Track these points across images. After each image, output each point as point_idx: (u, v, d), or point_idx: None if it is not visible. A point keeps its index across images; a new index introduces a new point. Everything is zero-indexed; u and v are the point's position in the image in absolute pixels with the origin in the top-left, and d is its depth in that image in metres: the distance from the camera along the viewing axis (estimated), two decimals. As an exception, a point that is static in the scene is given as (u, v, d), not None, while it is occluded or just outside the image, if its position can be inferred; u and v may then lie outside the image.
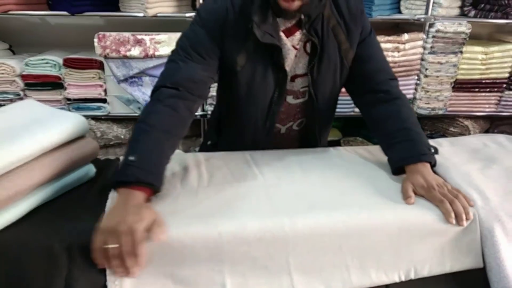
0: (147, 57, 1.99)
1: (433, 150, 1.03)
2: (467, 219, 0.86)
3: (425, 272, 0.88)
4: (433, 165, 1.00)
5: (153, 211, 0.81)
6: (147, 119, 0.96)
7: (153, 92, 1.03)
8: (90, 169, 1.00)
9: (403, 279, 0.87)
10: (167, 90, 1.00)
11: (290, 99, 1.18)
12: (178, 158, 1.09)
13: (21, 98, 2.01)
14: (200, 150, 1.41)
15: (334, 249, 0.84)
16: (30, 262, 0.76)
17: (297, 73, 1.14)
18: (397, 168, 1.01)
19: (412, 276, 0.88)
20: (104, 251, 0.74)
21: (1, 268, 0.75)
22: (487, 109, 2.30)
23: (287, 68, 1.11)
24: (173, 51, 1.09)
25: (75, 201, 0.91)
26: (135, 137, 0.94)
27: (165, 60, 1.15)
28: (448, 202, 0.88)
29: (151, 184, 0.87)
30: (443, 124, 2.39)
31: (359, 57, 1.15)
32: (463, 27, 2.06)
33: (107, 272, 0.77)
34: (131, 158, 0.88)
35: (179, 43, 1.09)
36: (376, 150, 1.19)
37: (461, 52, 2.12)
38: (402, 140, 1.02)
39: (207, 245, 0.80)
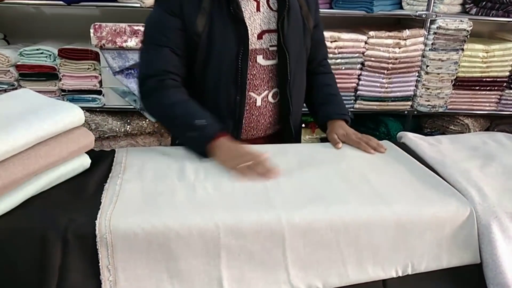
0: (144, 48, 1.97)
1: (350, 114, 1.31)
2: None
3: (422, 267, 0.88)
4: (348, 123, 1.26)
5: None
6: (169, 102, 1.13)
7: (141, 85, 1.18)
8: (85, 160, 0.98)
9: (400, 274, 0.87)
10: (154, 81, 1.14)
11: (260, 59, 1.19)
12: (174, 153, 1.08)
13: (16, 89, 1.99)
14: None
15: (331, 244, 0.84)
16: (24, 252, 0.75)
17: (264, 29, 1.17)
18: (323, 123, 1.28)
19: (410, 271, 0.87)
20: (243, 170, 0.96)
21: (-6, 258, 0.74)
22: (488, 108, 2.29)
23: (249, 21, 1.15)
24: (142, 41, 1.19)
25: (70, 191, 0.90)
26: (181, 113, 1.11)
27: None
28: (364, 142, 1.14)
29: (223, 130, 1.08)
30: (443, 122, 2.38)
31: (313, 39, 1.30)
32: (465, 24, 2.05)
33: (100, 264, 0.77)
34: (199, 122, 1.07)
35: (145, 31, 1.19)
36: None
37: (462, 49, 2.12)
38: (331, 103, 1.31)
39: (203, 238, 0.79)
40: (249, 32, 1.14)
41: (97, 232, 0.76)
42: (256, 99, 1.22)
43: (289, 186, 0.93)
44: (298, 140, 1.38)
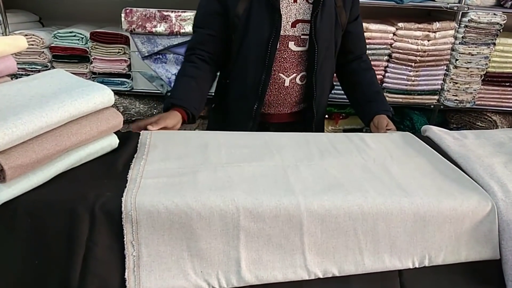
0: (172, 34, 2.00)
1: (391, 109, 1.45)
2: None
3: (439, 260, 0.88)
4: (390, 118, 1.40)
5: (172, 120, 1.20)
6: (178, 75, 1.37)
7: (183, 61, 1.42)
8: (113, 140, 1.02)
9: (416, 265, 0.87)
10: (185, 55, 1.39)
11: (292, 45, 1.33)
12: (197, 136, 1.11)
13: (49, 70, 2.06)
14: (207, 117, 1.70)
15: (349, 232, 0.85)
16: (54, 224, 0.79)
17: (299, 18, 1.30)
18: (369, 119, 1.40)
19: (426, 263, 0.88)
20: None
21: (26, 226, 0.79)
22: (517, 105, 2.22)
23: (285, 10, 1.28)
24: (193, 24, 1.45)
25: (99, 169, 0.94)
26: (174, 83, 1.35)
27: (189, 37, 1.41)
28: None
29: (182, 106, 1.25)
30: (470, 117, 2.33)
31: (350, 32, 1.42)
32: (498, 18, 1.98)
33: (125, 239, 0.80)
34: (169, 93, 1.34)
35: (195, 15, 1.41)
36: (396, 138, 1.17)
37: (494, 44, 2.05)
38: (376, 100, 1.44)
39: (223, 219, 0.81)
40: (284, 20, 1.28)
41: (123, 209, 0.79)
42: (285, 80, 1.36)
43: (309, 173, 0.94)
44: (320, 130, 1.43)
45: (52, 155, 0.86)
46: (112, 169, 0.93)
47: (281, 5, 1.27)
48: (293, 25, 1.30)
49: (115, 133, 1.03)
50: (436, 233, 0.87)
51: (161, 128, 1.16)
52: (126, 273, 0.79)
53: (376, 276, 0.88)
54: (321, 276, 0.85)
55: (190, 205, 0.81)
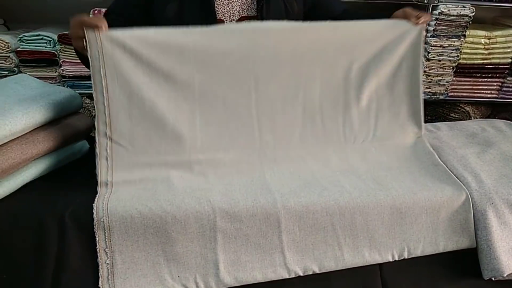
0: (144, 34, 1.95)
1: None
2: None
3: (418, 251, 0.89)
4: None
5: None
6: None
7: None
8: (83, 145, 0.99)
9: (396, 258, 0.88)
10: None
11: None
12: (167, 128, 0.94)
13: (15, 75, 1.99)
14: None
15: (327, 227, 0.84)
16: (22, 235, 0.76)
17: (243, 15, 1.13)
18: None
19: (406, 255, 0.88)
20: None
21: (-8, 240, 0.75)
22: (489, 95, 2.27)
23: (226, 8, 1.10)
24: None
25: (69, 176, 0.91)
26: None
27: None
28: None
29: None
30: (444, 109, 2.37)
31: (318, 3, 1.21)
32: (467, 10, 2.02)
33: (98, 247, 0.78)
34: None
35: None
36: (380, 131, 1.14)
37: (464, 36, 2.09)
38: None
39: (200, 221, 0.80)
40: (227, 19, 1.12)
41: (94, 215, 0.77)
42: None
43: (287, 170, 0.93)
44: None
45: (18, 164, 0.82)
46: (83, 175, 0.90)
47: (220, 3, 1.10)
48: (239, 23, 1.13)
49: (86, 138, 1.00)
50: (414, 224, 0.87)
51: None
52: (100, 282, 0.77)
53: (357, 272, 0.88)
54: (302, 274, 0.84)
55: (164, 208, 0.79)
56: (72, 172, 0.92)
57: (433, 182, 0.91)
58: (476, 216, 0.88)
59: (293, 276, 0.84)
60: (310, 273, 0.85)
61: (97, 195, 0.81)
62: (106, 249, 0.78)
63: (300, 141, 1.00)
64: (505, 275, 0.87)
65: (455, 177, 0.93)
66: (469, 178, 0.92)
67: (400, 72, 1.05)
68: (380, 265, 0.89)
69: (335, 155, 0.98)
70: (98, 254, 0.78)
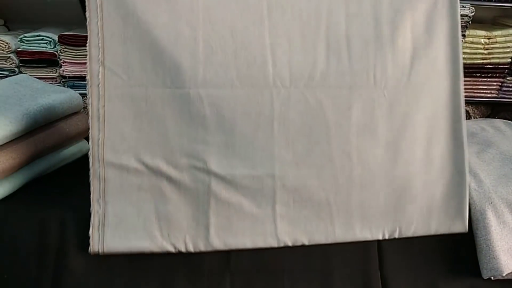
0: (145, 35, 1.95)
1: None
2: None
3: (410, 232, 0.87)
4: None
5: None
6: None
7: None
8: (84, 145, 0.99)
9: (387, 237, 0.87)
10: None
11: None
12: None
13: (15, 75, 1.99)
14: None
15: (321, 203, 0.84)
16: (23, 235, 0.76)
17: None
18: None
19: (397, 235, 0.87)
20: None
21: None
22: (489, 95, 2.27)
23: None
24: None
25: (69, 176, 0.91)
26: None
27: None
28: None
29: None
30: (443, 109, 2.37)
31: None
32: (467, 10, 2.02)
33: (92, 197, 0.77)
34: None
35: None
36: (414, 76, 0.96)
37: (464, 35, 2.09)
38: None
39: (194, 184, 0.79)
40: None
41: (90, 165, 0.76)
42: None
43: (298, 120, 0.85)
44: None
45: (19, 164, 0.83)
46: (83, 175, 0.90)
47: None
48: None
49: (86, 138, 1.01)
50: (408, 205, 0.87)
51: None
52: (90, 231, 0.76)
53: (357, 271, 0.89)
54: (290, 245, 0.83)
55: (160, 168, 0.78)
56: (73, 171, 0.92)
57: (442, 155, 0.88)
58: (475, 215, 0.89)
59: (282, 246, 0.83)
60: (299, 244, 0.84)
61: (90, 133, 0.77)
62: (99, 200, 0.77)
63: (322, 81, 0.86)
64: (504, 274, 0.87)
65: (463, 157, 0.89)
66: (468, 177, 0.92)
67: (437, 10, 0.90)
68: (380, 263, 0.90)
69: (359, 103, 0.86)
70: (92, 204, 0.77)
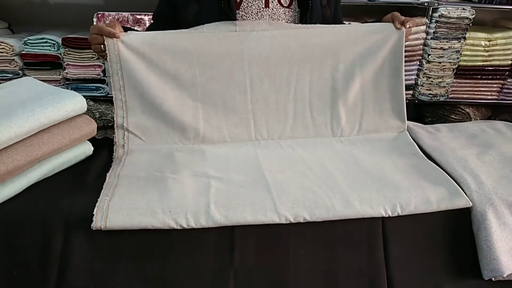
0: (147, 38, 1.97)
1: None
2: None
3: (411, 208, 0.88)
4: None
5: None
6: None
7: None
8: (87, 148, 1.00)
9: (390, 214, 0.87)
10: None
11: None
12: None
13: (20, 78, 2.00)
14: None
15: (314, 188, 0.90)
16: (27, 236, 0.77)
17: None
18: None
19: (399, 212, 0.87)
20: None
21: (-1, 241, 0.76)
22: (489, 97, 2.28)
23: (255, 17, 1.12)
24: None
25: (73, 178, 0.92)
26: None
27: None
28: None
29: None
30: (444, 111, 2.37)
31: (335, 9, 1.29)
32: (467, 12, 2.03)
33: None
34: None
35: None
36: (365, 126, 1.19)
37: (464, 38, 2.10)
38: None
39: (196, 183, 0.90)
40: None
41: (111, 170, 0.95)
42: None
43: (277, 156, 1.05)
44: None
45: (23, 166, 0.84)
46: (87, 177, 0.92)
47: (251, 12, 1.11)
48: None
49: (90, 140, 1.02)
50: (406, 182, 0.93)
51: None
52: (95, 210, 0.79)
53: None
54: (293, 220, 0.84)
55: (166, 175, 0.91)
56: (77, 173, 0.93)
57: (412, 167, 1.00)
58: (476, 216, 0.89)
59: (284, 221, 0.84)
60: (301, 220, 0.84)
61: (114, 161, 0.99)
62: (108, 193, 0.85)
63: (291, 133, 1.13)
64: (505, 276, 0.87)
65: (435, 165, 1.00)
66: (469, 179, 0.93)
67: (383, 72, 1.14)
68: (386, 261, 0.89)
69: (322, 146, 1.09)
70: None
